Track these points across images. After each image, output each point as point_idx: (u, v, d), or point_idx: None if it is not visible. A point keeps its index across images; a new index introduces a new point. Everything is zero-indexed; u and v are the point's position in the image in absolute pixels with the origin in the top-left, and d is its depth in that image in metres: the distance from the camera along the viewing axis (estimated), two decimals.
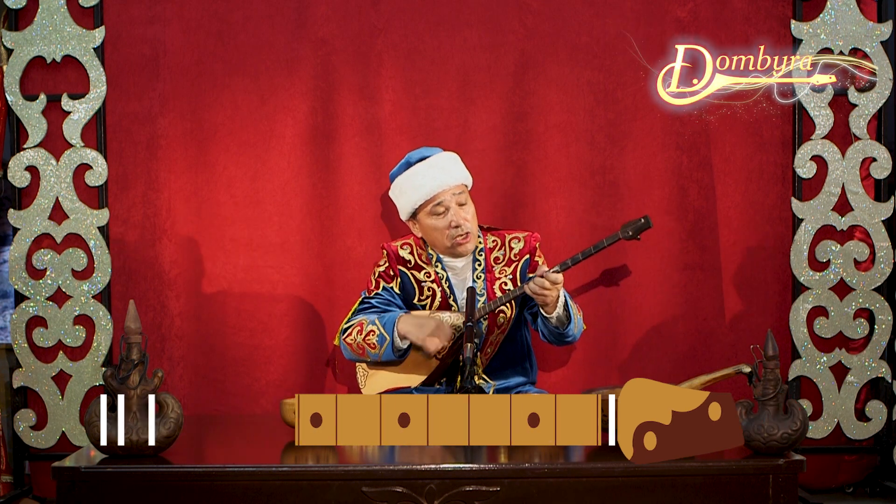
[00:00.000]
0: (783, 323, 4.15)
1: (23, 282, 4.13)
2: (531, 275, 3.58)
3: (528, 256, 3.73)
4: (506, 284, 3.70)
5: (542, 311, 3.56)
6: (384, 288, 3.73)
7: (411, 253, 3.74)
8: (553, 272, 3.48)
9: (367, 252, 4.17)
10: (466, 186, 3.72)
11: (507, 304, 3.66)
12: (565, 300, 3.55)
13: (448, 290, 3.69)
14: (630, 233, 3.59)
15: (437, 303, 3.70)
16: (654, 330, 4.19)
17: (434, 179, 3.65)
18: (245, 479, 2.74)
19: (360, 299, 3.75)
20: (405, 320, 3.60)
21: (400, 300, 3.72)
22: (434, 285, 3.70)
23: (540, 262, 3.73)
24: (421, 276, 3.72)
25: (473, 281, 3.69)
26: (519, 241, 3.75)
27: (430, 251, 3.73)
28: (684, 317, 4.19)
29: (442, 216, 3.64)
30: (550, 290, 3.47)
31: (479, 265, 3.71)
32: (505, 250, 3.73)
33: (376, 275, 3.75)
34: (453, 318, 3.61)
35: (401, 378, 3.67)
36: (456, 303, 3.67)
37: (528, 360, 3.82)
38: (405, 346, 3.60)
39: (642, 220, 3.60)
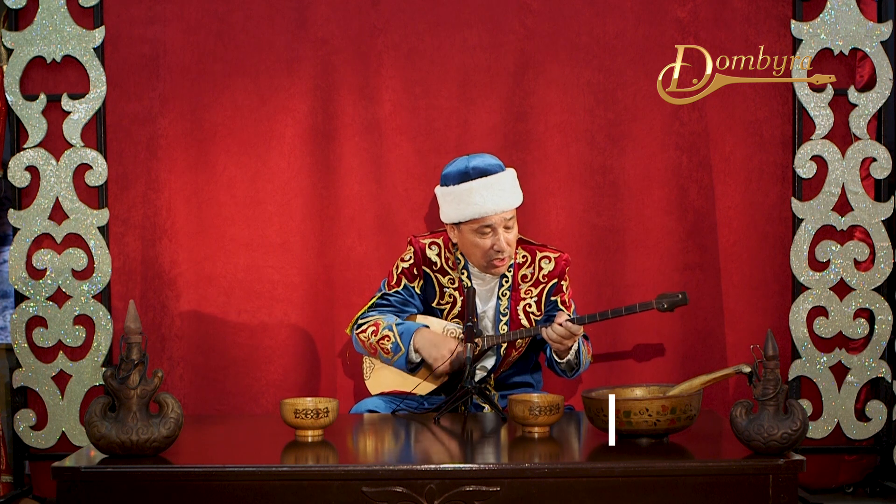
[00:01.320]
0: (783, 323, 4.15)
1: (23, 282, 4.13)
2: (553, 319, 3.49)
3: (556, 280, 3.66)
4: (530, 307, 3.66)
5: (553, 354, 3.54)
6: (405, 286, 3.68)
7: (439, 255, 3.67)
8: (575, 323, 3.43)
9: (367, 252, 4.17)
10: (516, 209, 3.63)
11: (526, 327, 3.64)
12: (578, 347, 3.53)
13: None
14: (665, 305, 3.50)
15: (456, 310, 3.66)
16: (654, 330, 4.19)
17: (490, 202, 3.53)
18: (245, 479, 2.74)
19: (380, 294, 3.70)
20: (422, 336, 3.56)
21: (419, 301, 3.68)
22: (456, 293, 3.66)
23: (564, 287, 3.69)
24: (445, 280, 3.67)
25: (499, 298, 3.67)
26: (549, 261, 3.66)
27: (459, 256, 3.66)
28: (684, 317, 4.19)
29: (487, 237, 3.55)
30: (569, 340, 3.45)
31: (507, 281, 3.65)
32: (534, 269, 3.67)
33: (399, 270, 3.68)
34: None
35: (405, 379, 3.65)
36: (475, 316, 3.54)
37: (536, 372, 3.81)
38: (418, 361, 3.58)
39: (679, 297, 3.51)
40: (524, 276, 3.67)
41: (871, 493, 4.25)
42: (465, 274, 3.65)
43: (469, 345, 3.36)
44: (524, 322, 3.64)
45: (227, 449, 3.19)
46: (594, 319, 3.48)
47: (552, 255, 3.68)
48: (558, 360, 3.54)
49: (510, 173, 3.64)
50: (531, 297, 3.66)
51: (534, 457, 2.92)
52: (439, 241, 3.69)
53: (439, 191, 3.66)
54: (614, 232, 4.18)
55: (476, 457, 3.01)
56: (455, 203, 3.57)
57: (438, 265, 3.67)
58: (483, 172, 3.57)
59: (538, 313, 3.66)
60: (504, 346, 3.63)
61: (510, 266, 3.66)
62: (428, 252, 3.68)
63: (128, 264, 4.19)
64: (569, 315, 3.48)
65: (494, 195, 3.54)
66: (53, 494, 3.36)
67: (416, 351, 3.56)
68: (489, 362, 3.65)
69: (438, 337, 3.57)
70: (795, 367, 4.14)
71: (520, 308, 3.65)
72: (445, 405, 3.39)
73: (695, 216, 4.18)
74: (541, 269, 3.67)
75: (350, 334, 3.72)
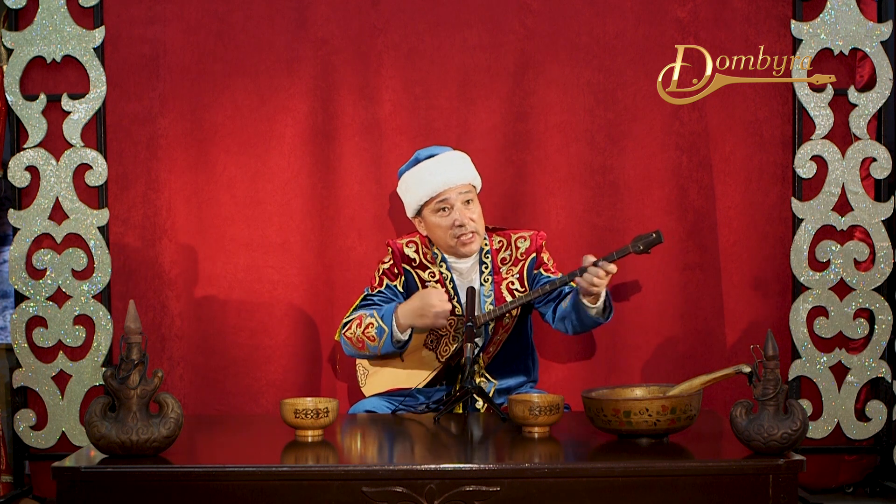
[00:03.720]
0: (783, 323, 4.15)
1: (23, 282, 4.13)
2: (582, 267, 3.44)
3: (534, 255, 3.70)
4: (512, 284, 3.68)
5: (584, 301, 3.48)
6: (387, 286, 3.70)
7: (416, 251, 3.72)
8: (603, 261, 3.39)
9: (367, 252, 4.17)
10: (474, 186, 3.68)
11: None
12: (606, 291, 3.52)
13: (452, 291, 3.66)
14: (641, 247, 3.49)
15: None
16: (654, 330, 4.19)
17: (440, 176, 3.62)
18: (245, 479, 2.74)
19: (363, 296, 3.73)
20: (403, 310, 3.55)
21: (402, 299, 3.69)
22: (438, 285, 3.69)
23: (546, 259, 3.71)
24: (425, 275, 3.70)
25: (481, 284, 3.67)
26: (525, 240, 3.72)
27: (436, 251, 3.70)
28: (684, 317, 4.19)
29: (446, 214, 3.61)
30: (604, 279, 3.42)
31: (486, 268, 3.69)
32: (511, 250, 3.71)
33: (380, 272, 3.72)
34: (441, 295, 3.54)
35: (401, 378, 3.67)
36: (460, 304, 3.64)
37: (531, 358, 3.81)
38: (405, 338, 3.59)
39: (653, 235, 3.50)
40: (503, 259, 3.70)
41: (871, 493, 4.25)
42: (444, 266, 3.67)
43: (469, 345, 3.36)
44: (508, 299, 3.65)
45: (227, 449, 3.19)
46: (609, 258, 3.43)
47: (526, 234, 3.74)
48: (589, 306, 3.49)
49: (459, 153, 3.74)
50: (513, 276, 3.69)
51: (534, 457, 2.92)
52: (416, 239, 3.75)
53: (398, 188, 3.75)
54: (614, 232, 4.18)
55: (476, 457, 3.01)
56: (411, 189, 3.67)
57: (417, 261, 3.70)
58: (431, 154, 3.70)
59: (522, 289, 3.67)
60: (492, 324, 3.64)
61: (487, 252, 3.68)
62: (406, 250, 3.71)
63: (128, 264, 4.19)
64: (594, 258, 3.44)
65: (444, 171, 3.64)
66: (53, 494, 3.36)
67: (403, 330, 3.55)
68: (477, 347, 3.66)
69: (415, 305, 3.54)
70: (795, 367, 4.14)
71: (503, 287, 3.66)
72: (445, 405, 3.39)
73: (695, 216, 4.18)
74: (517, 248, 3.71)
75: (339, 339, 3.73)
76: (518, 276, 3.69)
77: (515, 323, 3.72)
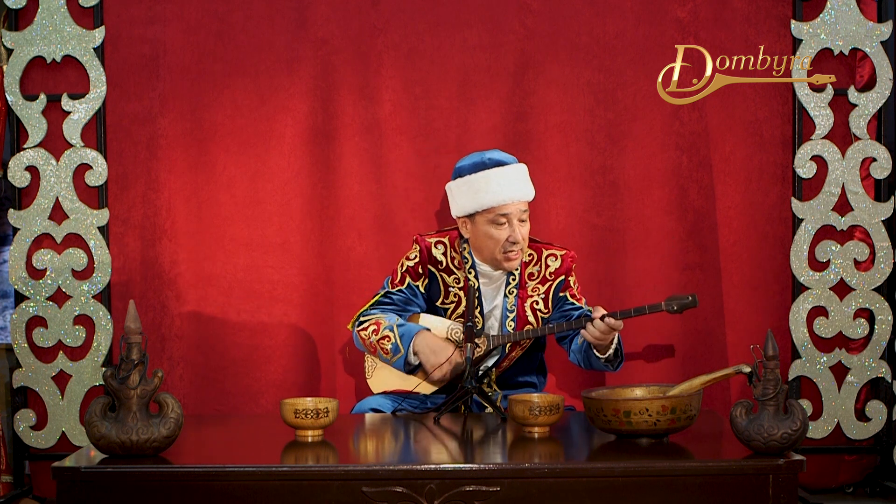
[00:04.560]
0: (783, 323, 4.15)
1: (23, 282, 4.13)
2: (567, 315, 3.50)
3: (563, 277, 3.66)
4: (537, 304, 3.65)
5: (595, 351, 3.50)
6: (409, 285, 3.66)
7: (444, 254, 3.66)
8: (618, 318, 3.40)
9: (367, 252, 4.17)
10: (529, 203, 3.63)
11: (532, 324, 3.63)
12: (618, 340, 3.52)
13: (476, 301, 3.59)
14: (674, 307, 3.48)
15: (460, 309, 3.64)
16: (654, 330, 4.19)
17: (508, 189, 3.54)
18: (245, 479, 2.74)
19: (383, 292, 3.69)
20: (423, 340, 3.54)
21: (423, 300, 3.67)
22: (461, 292, 3.64)
23: (572, 283, 3.67)
24: (450, 280, 3.65)
25: (505, 296, 3.65)
26: (556, 259, 3.66)
27: (466, 255, 3.64)
28: (684, 317, 4.18)
29: (503, 228, 3.54)
30: (609, 334, 3.42)
31: (514, 279, 3.64)
32: (540, 266, 3.66)
33: (404, 268, 3.67)
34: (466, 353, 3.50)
35: (408, 380, 3.65)
36: (482, 314, 3.60)
37: (540, 373, 3.80)
38: (416, 363, 3.57)
39: (689, 299, 3.49)
40: (531, 275, 3.66)
41: (871, 493, 4.25)
42: (473, 273, 3.64)
43: (469, 345, 3.36)
44: (531, 319, 3.64)
45: (227, 449, 3.19)
46: (615, 316, 3.45)
47: (558, 253, 3.68)
48: (599, 356, 3.51)
49: (524, 167, 3.67)
50: (538, 295, 3.66)
51: (534, 457, 2.92)
52: (445, 240, 3.69)
53: (452, 184, 3.66)
54: (614, 232, 4.18)
55: (476, 457, 3.01)
56: (471, 193, 3.58)
57: (444, 264, 3.66)
58: (499, 163, 3.61)
59: (546, 311, 3.65)
60: (509, 343, 3.63)
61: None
62: (434, 251, 3.67)
63: (128, 264, 4.19)
64: (605, 311, 3.44)
65: (511, 184, 3.57)
66: (53, 494, 3.35)
67: (415, 354, 3.55)
68: (492, 360, 3.65)
69: (438, 342, 3.56)
70: (795, 367, 4.14)
71: (527, 305, 3.64)
72: (445, 405, 3.39)
73: (695, 216, 4.18)
74: (547, 266, 3.66)
75: (351, 330, 3.72)
76: (544, 296, 3.65)
77: (531, 344, 3.71)
